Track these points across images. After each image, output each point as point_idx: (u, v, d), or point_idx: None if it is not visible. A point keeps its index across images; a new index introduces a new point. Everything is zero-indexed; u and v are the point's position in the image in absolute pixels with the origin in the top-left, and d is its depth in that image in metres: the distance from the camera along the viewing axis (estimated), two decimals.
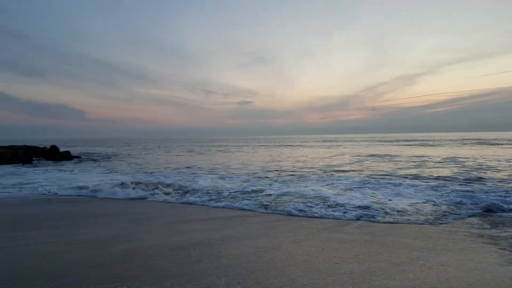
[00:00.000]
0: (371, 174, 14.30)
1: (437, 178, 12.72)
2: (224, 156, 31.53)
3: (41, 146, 33.35)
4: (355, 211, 7.30)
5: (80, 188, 11.25)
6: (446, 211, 7.29)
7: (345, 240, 5.15)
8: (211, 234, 5.55)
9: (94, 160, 28.90)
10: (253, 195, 9.54)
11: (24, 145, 32.32)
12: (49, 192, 10.73)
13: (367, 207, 7.66)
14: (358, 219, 6.71)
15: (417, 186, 10.60)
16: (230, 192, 9.98)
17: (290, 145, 54.30)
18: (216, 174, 15.64)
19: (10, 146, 31.47)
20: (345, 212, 7.23)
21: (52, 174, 16.71)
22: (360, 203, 8.07)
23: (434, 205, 7.97)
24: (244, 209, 7.86)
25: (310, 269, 3.87)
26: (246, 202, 8.49)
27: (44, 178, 14.64)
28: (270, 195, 9.47)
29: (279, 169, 17.35)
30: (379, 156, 25.95)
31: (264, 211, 7.66)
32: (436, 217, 6.77)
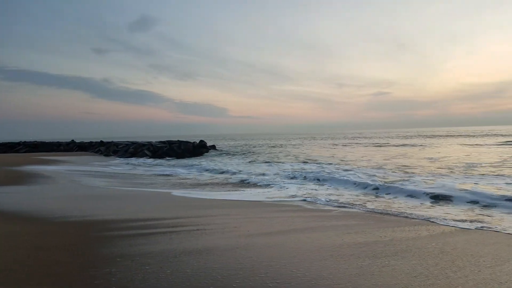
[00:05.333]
0: None
1: None
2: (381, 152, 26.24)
3: (192, 141, 34.34)
4: None
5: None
6: None
7: None
8: None
9: (233, 154, 27.69)
10: None
11: (178, 140, 33.67)
12: None
13: None
14: None
15: None
16: None
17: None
18: None
19: (166, 141, 33.16)
20: None
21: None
22: None
23: None
24: None
25: None
26: None
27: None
28: None
29: None
30: None
31: None
32: None
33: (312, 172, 12.32)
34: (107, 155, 29.80)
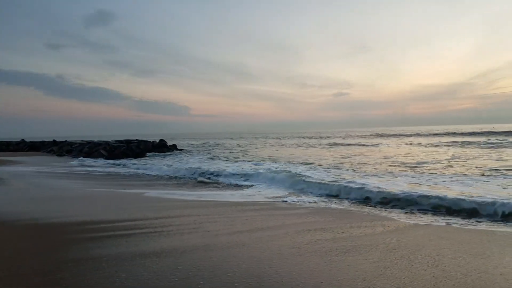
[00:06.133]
0: None
1: None
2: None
3: (151, 140, 33.45)
4: None
5: None
6: None
7: None
8: None
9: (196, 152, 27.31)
10: None
11: (136, 139, 32.64)
12: None
13: None
14: None
15: None
16: None
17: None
18: None
19: (124, 140, 32.02)
20: None
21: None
22: None
23: None
24: None
25: None
26: None
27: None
28: None
29: None
30: None
31: None
32: None
33: (272, 171, 12.45)
34: (60, 155, 28.23)
